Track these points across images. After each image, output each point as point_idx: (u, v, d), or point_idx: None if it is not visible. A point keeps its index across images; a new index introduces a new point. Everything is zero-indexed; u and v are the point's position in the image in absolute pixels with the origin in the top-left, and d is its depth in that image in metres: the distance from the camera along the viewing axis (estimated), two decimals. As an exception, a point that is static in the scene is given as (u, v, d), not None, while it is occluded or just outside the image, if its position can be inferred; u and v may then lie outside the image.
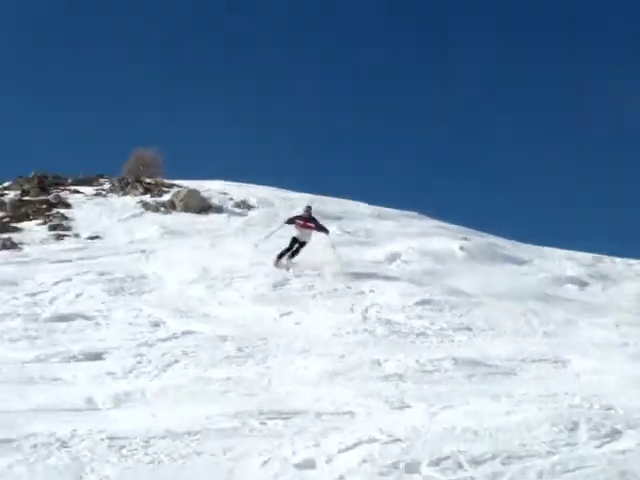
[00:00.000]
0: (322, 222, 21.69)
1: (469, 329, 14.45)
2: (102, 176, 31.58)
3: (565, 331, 14.76)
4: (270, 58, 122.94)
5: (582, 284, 19.63)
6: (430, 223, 27.71)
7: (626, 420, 8.91)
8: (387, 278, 18.89)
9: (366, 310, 15.51)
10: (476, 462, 7.54)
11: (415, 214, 29.16)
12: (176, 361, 11.63)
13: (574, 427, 8.52)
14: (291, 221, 21.44)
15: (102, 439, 8.00)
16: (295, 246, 20.66)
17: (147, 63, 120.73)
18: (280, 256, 20.38)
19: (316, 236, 20.87)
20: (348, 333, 13.93)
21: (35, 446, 7.75)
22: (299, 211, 22.89)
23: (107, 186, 29.78)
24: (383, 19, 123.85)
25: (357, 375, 11.19)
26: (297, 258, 20.72)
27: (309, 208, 21.79)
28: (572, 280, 19.85)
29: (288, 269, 19.75)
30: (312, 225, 21.11)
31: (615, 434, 8.47)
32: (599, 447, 8.07)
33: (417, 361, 11.85)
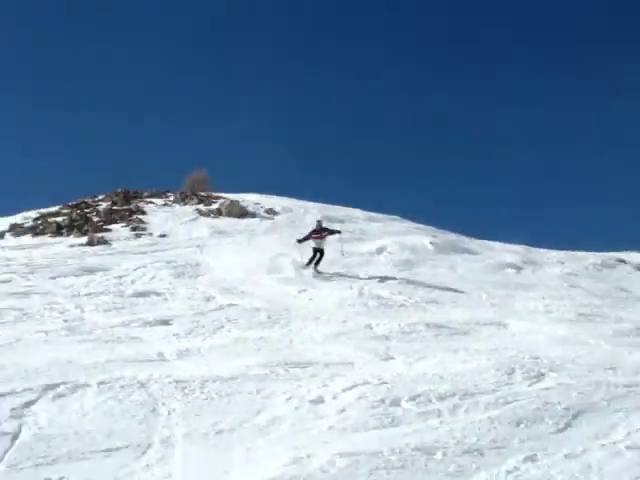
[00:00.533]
0: (331, 226, 20.60)
1: (437, 302, 14.43)
2: (168, 191, 31.61)
3: (505, 302, 14.72)
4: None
5: (517, 268, 19.52)
6: (408, 224, 27.63)
7: (549, 366, 8.92)
8: (377, 265, 18.90)
9: (361, 288, 15.49)
10: (441, 398, 7.56)
11: (397, 217, 29.07)
12: (222, 326, 11.64)
13: (512, 372, 8.52)
14: (308, 237, 19.24)
15: (170, 382, 8.06)
16: (317, 255, 18.74)
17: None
18: (309, 263, 18.57)
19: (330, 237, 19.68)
20: (348, 305, 13.93)
21: (122, 387, 7.82)
22: (313, 225, 20.57)
23: (172, 198, 29.77)
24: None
25: (355, 336, 11.19)
26: (321, 264, 18.89)
27: (319, 222, 20.00)
28: (510, 265, 19.74)
29: (318, 273, 17.91)
30: (325, 234, 19.34)
31: (541, 376, 8.48)
32: (530, 386, 8.08)
33: (399, 325, 11.83)
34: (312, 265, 18.74)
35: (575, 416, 7.15)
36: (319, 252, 18.94)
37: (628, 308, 14.91)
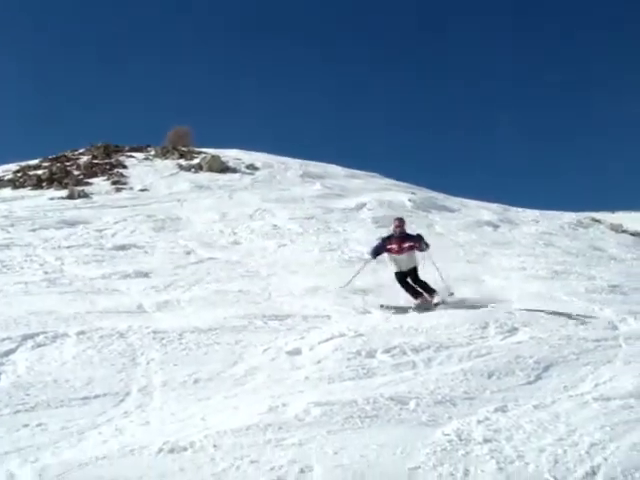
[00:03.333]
0: (411, 230, 12.63)
1: None
2: (149, 145, 31.25)
3: (482, 259, 14.83)
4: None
5: (495, 226, 19.60)
6: (387, 181, 27.55)
7: (522, 321, 9.03)
8: (356, 221, 18.86)
9: (340, 244, 15.51)
10: (416, 350, 7.63)
11: (376, 174, 28.99)
12: (202, 279, 11.64)
13: (486, 326, 8.62)
14: (379, 251, 11.72)
15: (149, 332, 8.07)
16: (407, 282, 11.36)
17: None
18: (415, 295, 11.22)
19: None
20: (327, 260, 13.96)
21: (102, 337, 7.82)
22: (389, 230, 12.84)
23: (153, 152, 29.46)
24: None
25: (333, 290, 11.24)
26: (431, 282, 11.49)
27: (400, 222, 11.86)
28: (488, 223, 19.82)
29: (436, 304, 10.75)
30: (412, 244, 11.38)
31: (514, 330, 8.59)
32: (502, 339, 8.19)
33: (376, 280, 11.90)
34: (416, 298, 11.14)
35: (545, 369, 7.27)
36: (409, 275, 11.39)
37: (601, 266, 15.06)
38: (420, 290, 11.15)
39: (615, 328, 9.46)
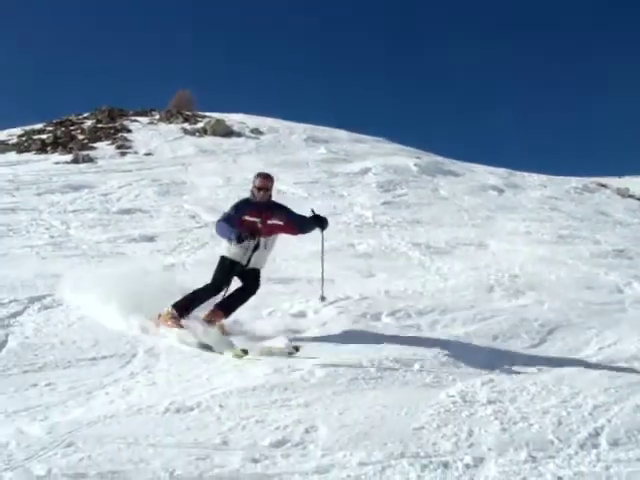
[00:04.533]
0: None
1: (419, 222, 14.45)
2: (154, 109, 31.07)
3: (487, 223, 14.78)
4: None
5: (500, 191, 19.50)
6: (393, 146, 27.36)
7: (527, 284, 9.07)
8: (361, 185, 18.79)
9: (345, 208, 15.49)
10: (421, 313, 7.68)
11: (382, 139, 28.81)
12: (207, 242, 11.64)
13: (490, 289, 8.67)
14: (232, 223, 6.87)
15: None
16: (227, 285, 7.10)
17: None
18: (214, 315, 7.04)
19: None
20: (331, 224, 13.94)
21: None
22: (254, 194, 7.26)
23: (157, 117, 29.29)
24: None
25: (338, 254, 11.22)
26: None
27: (268, 180, 7.19)
28: (493, 188, 19.72)
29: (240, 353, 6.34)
30: (282, 223, 7.24)
31: (519, 294, 8.63)
32: (507, 302, 8.23)
33: (381, 244, 11.91)
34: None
35: (550, 332, 7.32)
36: (241, 273, 7.16)
37: (606, 231, 15.03)
38: (225, 310, 7.04)
39: (620, 292, 9.50)
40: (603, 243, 13.27)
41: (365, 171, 20.43)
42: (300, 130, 26.72)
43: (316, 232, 7.62)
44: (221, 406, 5.08)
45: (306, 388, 5.55)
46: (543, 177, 24.12)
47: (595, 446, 4.72)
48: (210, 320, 6.92)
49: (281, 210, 7.28)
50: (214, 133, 25.40)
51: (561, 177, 24.81)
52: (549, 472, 4.30)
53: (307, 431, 4.76)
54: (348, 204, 16.12)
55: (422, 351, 6.53)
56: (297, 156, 22.03)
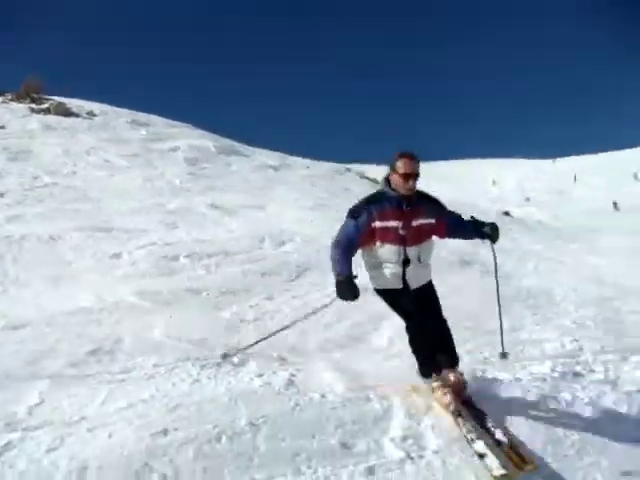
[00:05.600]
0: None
1: (214, 189, 14.11)
2: (6, 91, 27.75)
3: (264, 192, 14.86)
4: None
5: (275, 169, 19.68)
6: (198, 132, 26.44)
7: (288, 237, 9.36)
8: (171, 159, 18.13)
9: (158, 175, 14.94)
10: (209, 256, 7.68)
11: (190, 125, 27.83)
12: (45, 199, 10.70)
13: (263, 239, 8.88)
14: (354, 244, 3.82)
15: (1, 239, 7.41)
16: (425, 327, 3.81)
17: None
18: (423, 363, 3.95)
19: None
20: (147, 187, 13.42)
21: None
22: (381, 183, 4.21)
23: (9, 97, 26.22)
24: None
25: (150, 210, 10.88)
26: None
27: (415, 162, 3.74)
28: (271, 167, 19.71)
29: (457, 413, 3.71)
30: (433, 222, 3.88)
31: (284, 243, 8.90)
32: (274, 249, 8.47)
33: (185, 205, 11.70)
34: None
35: (303, 271, 7.65)
36: (420, 302, 3.86)
37: (345, 202, 15.84)
38: (450, 361, 3.97)
39: None
40: (343, 210, 13.99)
41: (175, 149, 19.75)
42: (126, 114, 25.15)
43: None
44: (49, 324, 4.93)
45: (118, 310, 5.57)
46: (308, 161, 24.88)
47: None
48: (453, 394, 3.78)
49: (432, 205, 3.95)
50: (57, 113, 23.17)
51: (321, 162, 25.73)
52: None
53: (116, 342, 4.76)
54: (160, 173, 15.58)
55: (209, 283, 6.66)
56: (122, 135, 20.78)
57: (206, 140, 23.04)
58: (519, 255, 11.03)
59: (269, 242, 8.76)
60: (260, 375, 4.38)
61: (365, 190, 19.66)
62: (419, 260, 3.90)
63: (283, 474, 3.24)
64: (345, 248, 3.88)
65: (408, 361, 4.19)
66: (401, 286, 3.89)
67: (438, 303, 4.03)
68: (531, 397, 4.11)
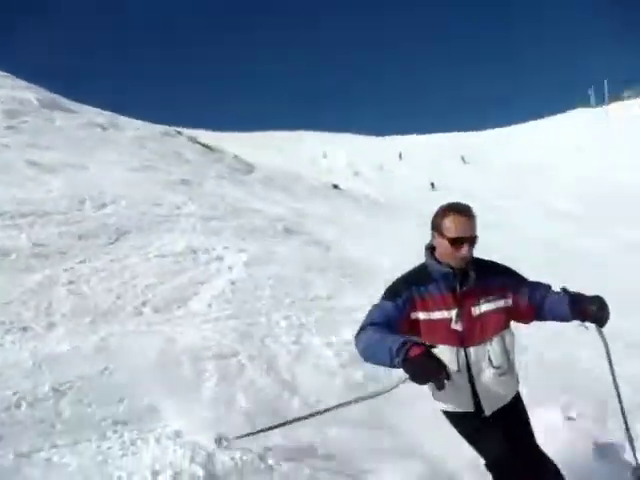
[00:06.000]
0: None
1: (35, 145, 12.47)
2: None
3: (89, 152, 13.42)
4: None
5: (104, 128, 18.02)
6: (20, 82, 23.00)
7: (111, 198, 8.48)
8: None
9: None
10: (24, 216, 6.73)
11: (11, 75, 24.14)
12: None
13: (83, 200, 7.92)
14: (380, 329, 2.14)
15: None
16: (516, 461, 2.17)
17: None
18: None
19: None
20: None
21: None
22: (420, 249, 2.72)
23: None
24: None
25: None
26: None
27: (467, 215, 2.26)
28: (99, 125, 18.06)
29: None
30: (500, 303, 2.30)
31: (106, 205, 8.03)
32: (94, 212, 7.62)
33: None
34: None
35: (124, 234, 7.09)
36: (508, 427, 2.34)
37: (175, 166, 15.05)
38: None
39: (178, 208, 9.41)
40: (174, 174, 13.30)
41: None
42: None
43: None
44: None
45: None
46: (139, 122, 23.21)
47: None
48: None
49: (503, 277, 2.41)
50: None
51: (153, 124, 24.15)
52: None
53: None
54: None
55: (20, 243, 5.87)
56: None
57: (29, 92, 20.27)
58: (345, 226, 11.43)
59: (90, 203, 7.93)
60: (69, 339, 4.00)
61: (198, 157, 18.94)
62: (492, 365, 2.34)
63: (88, 439, 3.02)
64: (379, 327, 2.23)
65: (223, 324, 4.13)
66: (472, 409, 2.38)
67: (532, 434, 2.44)
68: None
